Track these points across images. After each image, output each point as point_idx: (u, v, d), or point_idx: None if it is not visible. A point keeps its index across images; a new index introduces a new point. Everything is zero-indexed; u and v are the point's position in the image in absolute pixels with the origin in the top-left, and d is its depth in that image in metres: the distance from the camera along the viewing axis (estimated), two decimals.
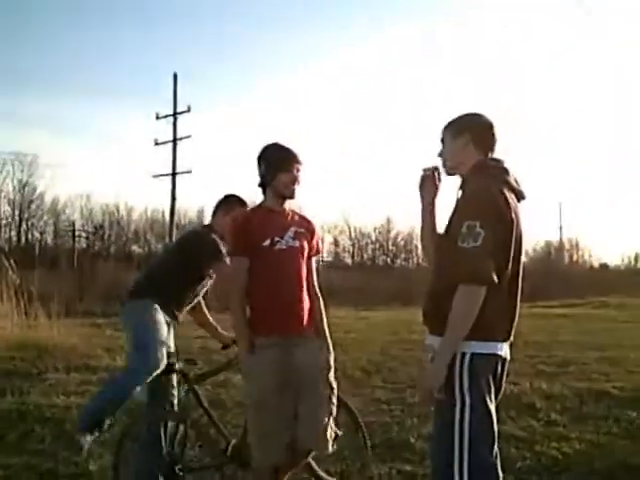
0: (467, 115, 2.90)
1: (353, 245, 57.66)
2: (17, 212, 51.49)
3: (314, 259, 3.64)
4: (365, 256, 57.79)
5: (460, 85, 70.19)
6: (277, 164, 3.42)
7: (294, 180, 3.44)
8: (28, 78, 71.53)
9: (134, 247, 56.28)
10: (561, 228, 54.03)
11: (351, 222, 55.96)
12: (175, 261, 4.09)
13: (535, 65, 77.86)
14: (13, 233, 51.80)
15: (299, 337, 3.41)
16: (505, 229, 2.61)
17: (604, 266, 54.32)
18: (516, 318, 2.76)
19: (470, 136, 2.82)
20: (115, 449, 3.77)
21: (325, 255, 49.95)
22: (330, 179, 68.47)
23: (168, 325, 4.03)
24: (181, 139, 32.75)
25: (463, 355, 2.61)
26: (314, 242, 3.61)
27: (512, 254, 2.64)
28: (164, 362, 3.82)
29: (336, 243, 55.20)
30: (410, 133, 72.90)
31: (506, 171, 2.79)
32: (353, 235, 57.04)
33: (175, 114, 32.58)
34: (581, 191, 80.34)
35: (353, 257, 57.39)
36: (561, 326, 15.20)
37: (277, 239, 3.39)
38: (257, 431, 3.37)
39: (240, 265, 3.39)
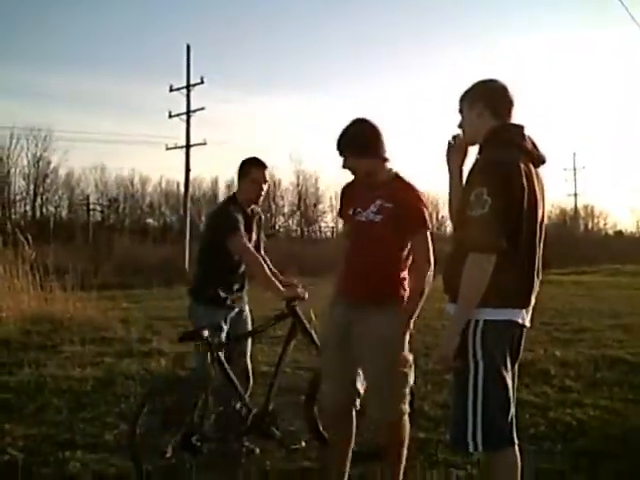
0: (481, 83, 2.85)
1: None
2: (32, 187, 51.87)
3: (418, 233, 3.36)
4: None
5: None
6: (356, 147, 3.40)
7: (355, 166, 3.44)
8: (39, 52, 71.67)
9: (149, 220, 56.62)
10: (576, 195, 53.84)
11: None
12: (207, 248, 4.28)
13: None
14: (28, 207, 52.25)
15: (364, 306, 3.37)
16: (515, 196, 2.57)
17: (619, 233, 54.14)
18: (535, 285, 2.72)
19: (484, 104, 2.78)
20: (133, 418, 3.76)
21: None
22: None
23: (229, 309, 4.24)
24: (195, 111, 32.62)
25: (476, 322, 2.61)
26: (410, 215, 3.33)
27: (526, 221, 2.61)
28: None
29: None
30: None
31: (522, 136, 2.74)
32: None
33: (188, 86, 32.38)
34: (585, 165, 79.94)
35: None
36: (575, 294, 15.21)
37: (358, 210, 3.41)
38: (322, 372, 3.63)
39: (343, 227, 3.73)
